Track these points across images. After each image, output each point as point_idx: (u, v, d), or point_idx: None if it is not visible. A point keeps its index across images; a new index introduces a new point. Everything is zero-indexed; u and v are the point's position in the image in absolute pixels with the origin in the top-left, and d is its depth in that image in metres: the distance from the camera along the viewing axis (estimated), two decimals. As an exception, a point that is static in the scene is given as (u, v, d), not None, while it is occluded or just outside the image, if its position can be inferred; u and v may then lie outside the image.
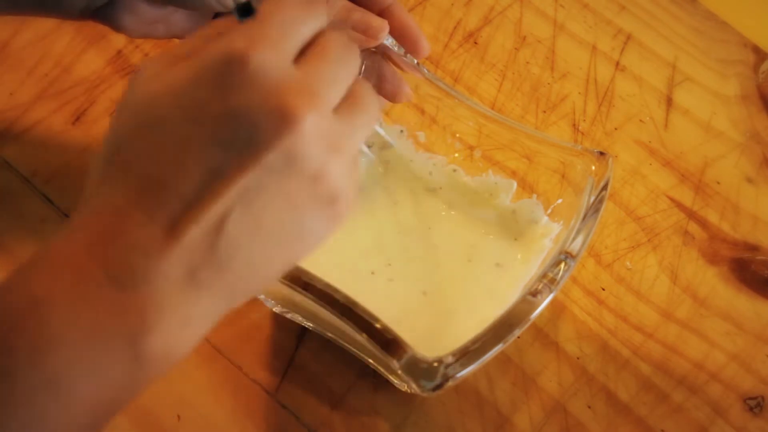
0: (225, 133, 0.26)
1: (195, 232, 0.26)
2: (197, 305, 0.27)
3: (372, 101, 0.30)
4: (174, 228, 0.26)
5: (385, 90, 0.47)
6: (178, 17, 0.43)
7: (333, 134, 0.28)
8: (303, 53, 0.28)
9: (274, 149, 0.26)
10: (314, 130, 0.27)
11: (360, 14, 0.41)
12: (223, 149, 0.26)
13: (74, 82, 0.53)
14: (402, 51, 0.45)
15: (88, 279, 0.26)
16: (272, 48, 0.27)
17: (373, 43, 0.43)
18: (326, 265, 0.46)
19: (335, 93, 0.29)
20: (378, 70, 0.47)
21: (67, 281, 0.26)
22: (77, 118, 0.52)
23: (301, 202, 0.27)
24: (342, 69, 0.29)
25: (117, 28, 0.42)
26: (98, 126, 0.52)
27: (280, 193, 0.27)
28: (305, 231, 0.28)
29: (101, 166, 0.28)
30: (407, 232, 0.49)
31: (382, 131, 0.51)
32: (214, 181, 0.26)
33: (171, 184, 0.26)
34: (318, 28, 0.29)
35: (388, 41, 0.45)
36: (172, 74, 0.27)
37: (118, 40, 0.56)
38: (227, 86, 0.26)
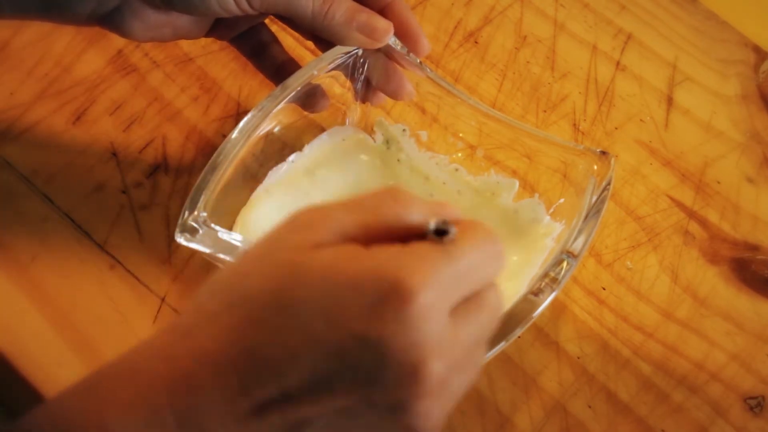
0: (353, 353, 0.25)
1: (276, 422, 0.26)
2: None
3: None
4: (260, 411, 0.25)
5: (388, 88, 0.47)
6: (183, 21, 0.43)
7: (450, 395, 0.27)
8: (463, 302, 0.27)
9: (387, 396, 0.26)
10: (435, 396, 0.26)
11: (366, 16, 0.41)
12: (342, 365, 0.25)
13: (74, 82, 0.53)
14: (405, 50, 0.45)
15: (160, 422, 0.25)
16: (441, 296, 0.26)
17: (377, 46, 0.43)
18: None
19: (472, 360, 0.28)
20: (381, 68, 0.47)
21: (140, 420, 0.25)
22: (77, 118, 0.52)
23: None
24: (486, 335, 0.29)
25: (123, 33, 0.42)
26: (98, 126, 0.52)
27: (368, 424, 0.27)
28: None
29: (220, 297, 0.27)
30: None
31: (391, 129, 0.51)
32: (320, 389, 0.25)
33: (279, 369, 0.25)
34: (492, 281, 0.28)
35: (391, 40, 0.45)
36: (335, 259, 0.26)
37: (119, 39, 0.56)
38: (379, 312, 0.25)
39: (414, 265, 0.25)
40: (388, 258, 0.26)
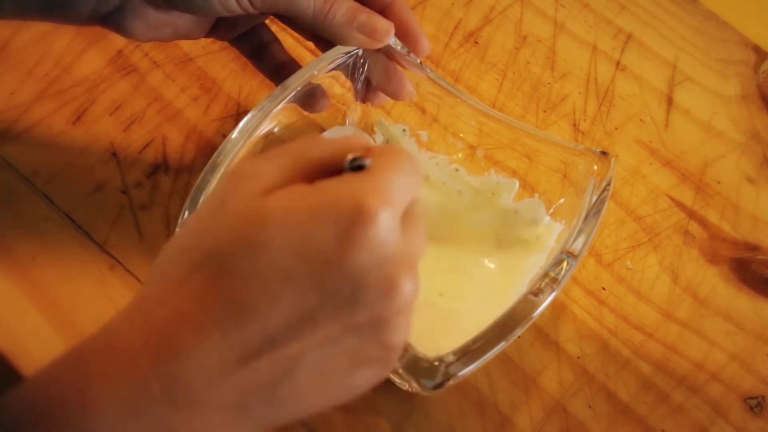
0: (331, 282, 0.26)
1: (264, 367, 0.26)
2: (238, 431, 0.27)
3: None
4: (246, 357, 0.26)
5: (388, 88, 0.47)
6: (184, 21, 0.43)
7: (412, 305, 0.28)
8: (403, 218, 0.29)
9: (370, 313, 0.26)
10: (408, 306, 0.27)
11: (366, 16, 0.41)
12: (322, 296, 0.26)
13: (74, 82, 0.53)
14: (405, 50, 0.45)
15: (145, 392, 0.25)
16: (395, 211, 0.27)
17: (377, 46, 0.43)
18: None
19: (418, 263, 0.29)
20: (382, 68, 0.47)
21: (124, 392, 0.25)
22: (77, 118, 0.52)
23: (364, 360, 0.28)
24: (423, 247, 0.30)
25: (124, 33, 0.42)
26: (98, 126, 0.52)
27: (350, 349, 0.27)
28: (354, 386, 0.29)
29: (183, 259, 0.27)
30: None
31: (391, 129, 0.51)
32: (303, 323, 0.26)
33: (259, 313, 0.26)
34: (416, 194, 0.30)
35: (391, 40, 0.45)
36: (291, 198, 0.27)
37: (119, 39, 0.56)
38: (349, 238, 0.26)
39: (368, 186, 0.27)
40: (338, 186, 0.27)
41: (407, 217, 0.29)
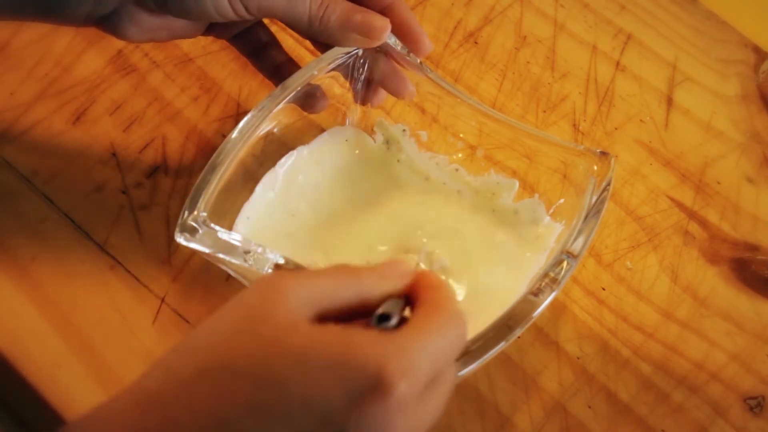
0: None
1: None
2: None
3: None
4: None
5: (390, 86, 0.47)
6: (179, 23, 0.43)
7: None
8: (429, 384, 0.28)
9: None
10: None
11: (361, 15, 0.41)
12: None
13: (74, 82, 0.53)
14: (405, 50, 0.45)
15: None
16: (417, 383, 0.26)
17: (375, 44, 0.43)
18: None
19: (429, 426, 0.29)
20: (383, 67, 0.47)
21: None
22: (77, 118, 0.52)
23: None
24: (442, 408, 0.29)
25: (120, 36, 0.42)
26: (98, 126, 0.52)
27: None
28: None
29: (193, 362, 0.26)
30: (410, 229, 0.49)
31: (391, 129, 0.51)
32: None
33: None
34: (453, 360, 0.30)
35: (391, 40, 0.45)
36: (317, 341, 0.26)
37: (119, 40, 0.56)
38: (358, 404, 0.25)
39: (394, 356, 0.26)
40: (367, 344, 0.26)
41: (434, 382, 0.28)
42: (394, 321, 0.28)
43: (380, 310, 0.28)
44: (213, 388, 0.26)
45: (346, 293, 0.28)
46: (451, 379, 0.29)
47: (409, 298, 0.31)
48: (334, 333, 0.26)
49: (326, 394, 0.25)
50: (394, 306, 0.29)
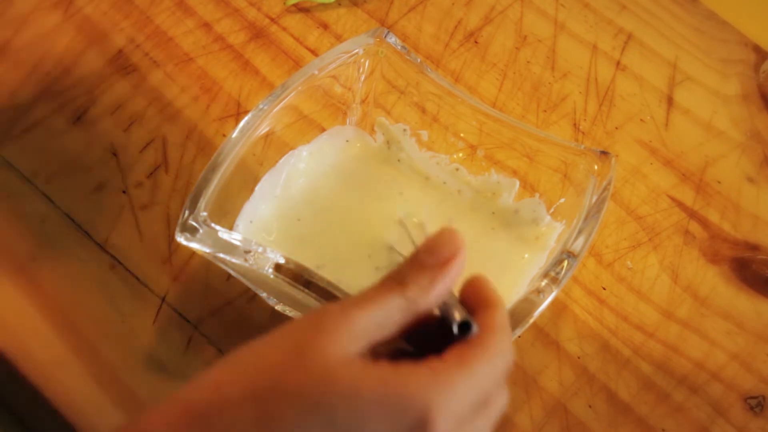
0: None
1: None
2: None
3: None
4: None
5: None
6: None
7: None
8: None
9: None
10: None
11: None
12: None
13: (74, 82, 0.53)
14: (405, 50, 0.45)
15: None
16: (458, 419, 0.27)
17: None
18: (329, 262, 0.46)
19: None
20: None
21: None
22: (77, 118, 0.52)
23: None
24: (490, 427, 0.30)
25: None
26: (98, 126, 0.52)
27: None
28: None
29: (242, 382, 0.27)
30: (411, 228, 0.49)
31: (392, 129, 0.51)
32: None
33: None
34: (502, 385, 0.30)
35: (392, 40, 0.45)
36: (365, 378, 0.27)
37: (119, 39, 0.56)
38: None
39: (439, 397, 0.27)
40: (415, 382, 0.27)
41: (482, 407, 0.28)
42: (475, 328, 0.29)
43: (458, 321, 0.29)
44: (259, 412, 0.26)
45: (397, 316, 0.29)
46: (501, 403, 0.30)
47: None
48: (384, 370, 0.27)
49: (372, 428, 0.26)
50: (459, 309, 0.29)
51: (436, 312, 0.30)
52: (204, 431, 0.26)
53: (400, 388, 0.27)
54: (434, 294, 0.29)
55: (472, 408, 0.28)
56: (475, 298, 0.30)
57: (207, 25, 0.57)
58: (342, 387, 0.26)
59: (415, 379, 0.27)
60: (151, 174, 0.50)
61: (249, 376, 0.27)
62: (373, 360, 0.28)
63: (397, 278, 0.29)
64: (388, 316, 0.28)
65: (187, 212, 0.40)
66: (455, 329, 0.29)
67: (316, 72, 0.46)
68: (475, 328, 0.29)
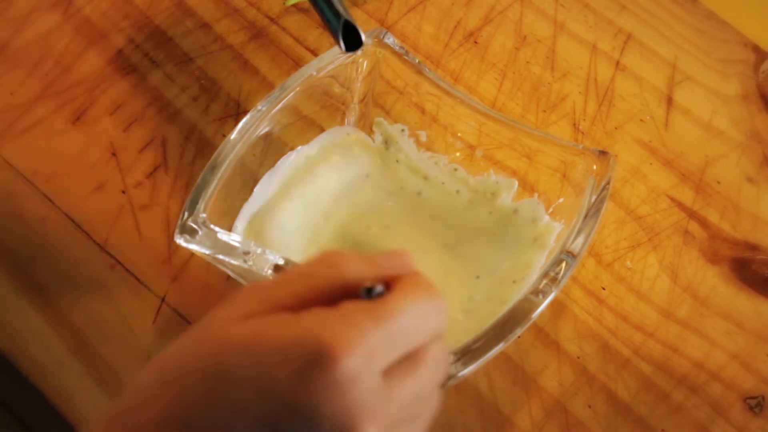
0: (285, 420, 0.25)
1: None
2: None
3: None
4: None
5: None
6: None
7: None
8: (400, 360, 0.27)
9: None
10: None
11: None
12: None
13: (74, 82, 0.53)
14: (404, 50, 0.45)
15: None
16: (369, 357, 0.25)
17: None
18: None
19: (415, 415, 0.28)
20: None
21: None
22: (77, 118, 0.52)
23: None
24: (429, 398, 0.29)
25: None
26: (98, 126, 0.52)
27: None
28: None
29: (155, 373, 0.27)
30: (410, 226, 0.49)
31: (390, 129, 0.51)
32: None
33: None
34: (433, 335, 0.28)
35: (390, 40, 0.45)
36: (261, 327, 0.26)
37: (118, 39, 0.56)
38: (307, 378, 0.25)
39: (338, 328, 0.25)
40: (312, 322, 0.26)
41: (405, 363, 0.27)
42: (380, 288, 0.27)
43: (366, 284, 0.28)
44: (169, 393, 0.26)
45: (318, 284, 0.28)
46: (434, 359, 0.28)
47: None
48: (282, 318, 0.26)
49: (275, 378, 0.25)
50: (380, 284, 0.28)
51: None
52: (126, 429, 0.26)
53: (295, 327, 0.26)
54: (363, 266, 0.28)
55: (390, 350, 0.26)
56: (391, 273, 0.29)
57: (206, 25, 0.57)
58: (238, 341, 0.26)
59: (310, 315, 0.26)
60: (151, 174, 0.50)
61: (158, 366, 0.27)
62: (273, 312, 0.27)
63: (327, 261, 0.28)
64: (300, 283, 0.28)
65: (186, 214, 0.40)
66: (363, 293, 0.27)
67: (315, 72, 0.46)
68: (380, 288, 0.27)
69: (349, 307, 0.26)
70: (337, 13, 0.29)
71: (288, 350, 0.25)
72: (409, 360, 0.27)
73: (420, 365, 0.27)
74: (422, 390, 0.28)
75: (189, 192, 0.41)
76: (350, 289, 0.28)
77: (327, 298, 0.27)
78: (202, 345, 0.26)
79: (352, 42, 0.27)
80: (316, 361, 0.25)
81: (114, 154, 0.51)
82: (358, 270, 0.28)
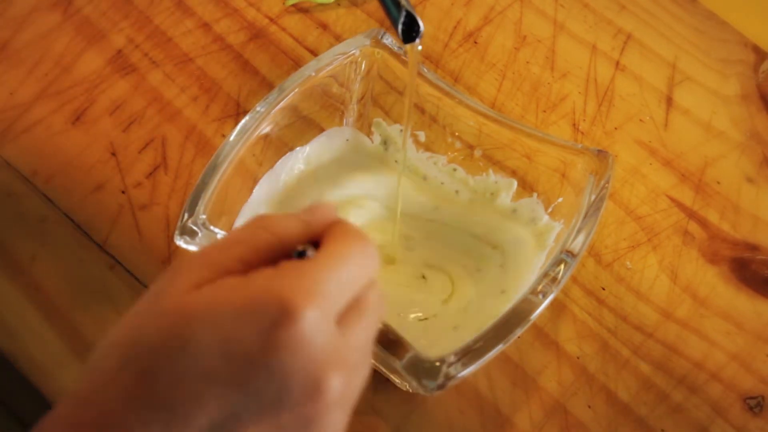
0: (254, 382, 0.25)
1: None
2: None
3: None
4: None
5: None
6: None
7: (349, 398, 0.28)
8: (347, 308, 0.28)
9: (296, 414, 0.26)
10: (338, 403, 0.27)
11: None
12: (245, 396, 0.25)
13: (74, 82, 0.53)
14: (402, 50, 0.45)
15: None
16: (325, 307, 0.26)
17: None
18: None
19: (364, 360, 0.28)
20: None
21: None
22: (77, 118, 0.52)
23: None
24: (371, 342, 0.29)
25: None
26: (98, 126, 0.52)
27: None
28: None
29: (114, 354, 0.27)
30: (410, 225, 0.49)
31: (388, 130, 0.51)
32: (228, 423, 0.25)
33: (185, 413, 0.25)
34: (370, 280, 0.29)
35: (388, 41, 0.45)
36: (217, 294, 0.26)
37: (118, 40, 0.56)
38: (271, 337, 0.25)
39: (293, 283, 0.26)
40: (266, 281, 0.26)
41: (351, 310, 0.28)
42: (311, 252, 0.28)
43: (299, 248, 0.28)
44: (134, 373, 0.26)
45: (258, 242, 0.28)
46: (375, 304, 0.29)
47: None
48: (234, 282, 0.26)
49: (240, 340, 0.25)
50: (310, 247, 0.29)
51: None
52: (95, 414, 0.26)
53: (254, 287, 0.26)
54: (294, 224, 0.29)
55: (339, 299, 0.27)
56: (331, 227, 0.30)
57: (206, 25, 0.57)
58: (197, 310, 0.26)
59: (266, 274, 0.26)
60: (151, 174, 0.50)
61: (116, 345, 0.27)
62: (224, 277, 0.27)
63: (263, 219, 0.29)
64: (242, 246, 0.28)
65: (186, 215, 0.40)
66: (295, 256, 0.28)
67: (313, 74, 0.46)
68: (309, 253, 0.28)
69: (295, 263, 0.27)
70: (398, 3, 0.30)
71: (249, 311, 0.25)
72: (353, 308, 0.28)
73: (364, 311, 0.28)
74: (368, 335, 0.29)
75: (189, 192, 0.41)
76: (286, 248, 0.28)
77: (267, 260, 0.28)
78: (159, 320, 0.26)
79: (411, 33, 0.28)
80: (278, 317, 0.25)
81: (114, 154, 0.51)
82: (290, 229, 0.29)
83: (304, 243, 0.29)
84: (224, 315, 0.25)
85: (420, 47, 0.34)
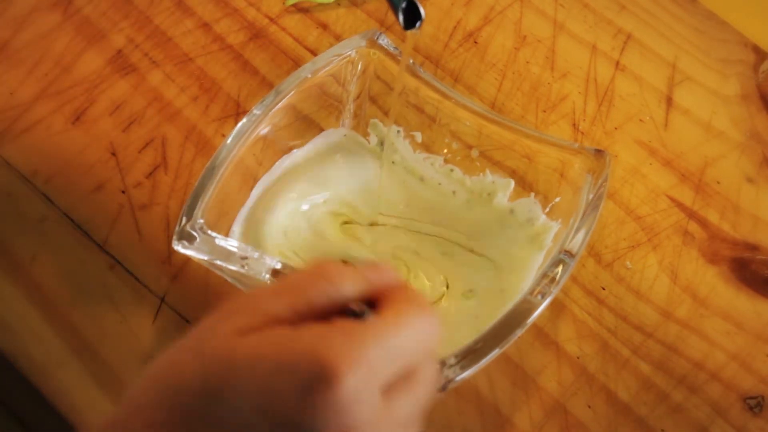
0: None
1: None
2: None
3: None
4: None
5: None
6: None
7: None
8: (397, 378, 0.27)
9: None
10: None
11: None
12: None
13: (74, 82, 0.53)
14: (398, 51, 0.45)
15: None
16: (369, 375, 0.25)
17: None
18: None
19: None
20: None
21: None
22: (77, 118, 0.52)
23: None
24: (421, 408, 0.28)
25: None
26: (98, 125, 0.52)
27: None
28: None
29: (152, 391, 0.26)
30: (409, 227, 0.49)
31: (385, 131, 0.51)
32: None
33: None
34: (426, 354, 0.28)
35: (384, 41, 0.45)
36: (261, 344, 0.25)
37: (118, 40, 0.56)
38: (308, 399, 0.24)
39: (339, 346, 0.25)
40: (312, 339, 0.25)
41: (401, 381, 0.27)
42: (367, 313, 0.27)
43: (351, 307, 0.27)
44: (168, 413, 0.26)
45: (313, 296, 0.27)
46: (428, 377, 0.28)
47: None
48: (281, 334, 0.26)
49: (277, 396, 0.25)
50: (367, 309, 0.28)
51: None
52: None
53: (298, 344, 0.25)
54: (356, 281, 0.28)
55: (388, 369, 0.26)
56: (389, 289, 0.29)
57: (206, 25, 0.57)
58: (239, 359, 0.25)
59: (313, 332, 0.25)
60: (151, 174, 0.50)
61: (155, 382, 0.27)
62: (272, 326, 0.26)
63: (322, 268, 0.28)
64: (296, 295, 0.27)
65: (184, 219, 0.40)
66: (351, 315, 0.27)
67: (309, 75, 0.46)
68: (369, 313, 0.27)
69: (347, 324, 0.26)
70: None
71: (290, 368, 0.25)
72: (405, 378, 0.27)
73: (415, 384, 0.27)
74: (415, 408, 0.28)
75: (189, 192, 0.41)
76: (341, 303, 0.28)
77: (321, 312, 0.27)
78: (200, 362, 0.26)
79: (412, 18, 0.27)
80: (318, 380, 0.24)
81: (113, 154, 0.51)
82: (351, 284, 0.28)
83: (360, 301, 0.28)
84: (265, 368, 0.25)
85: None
